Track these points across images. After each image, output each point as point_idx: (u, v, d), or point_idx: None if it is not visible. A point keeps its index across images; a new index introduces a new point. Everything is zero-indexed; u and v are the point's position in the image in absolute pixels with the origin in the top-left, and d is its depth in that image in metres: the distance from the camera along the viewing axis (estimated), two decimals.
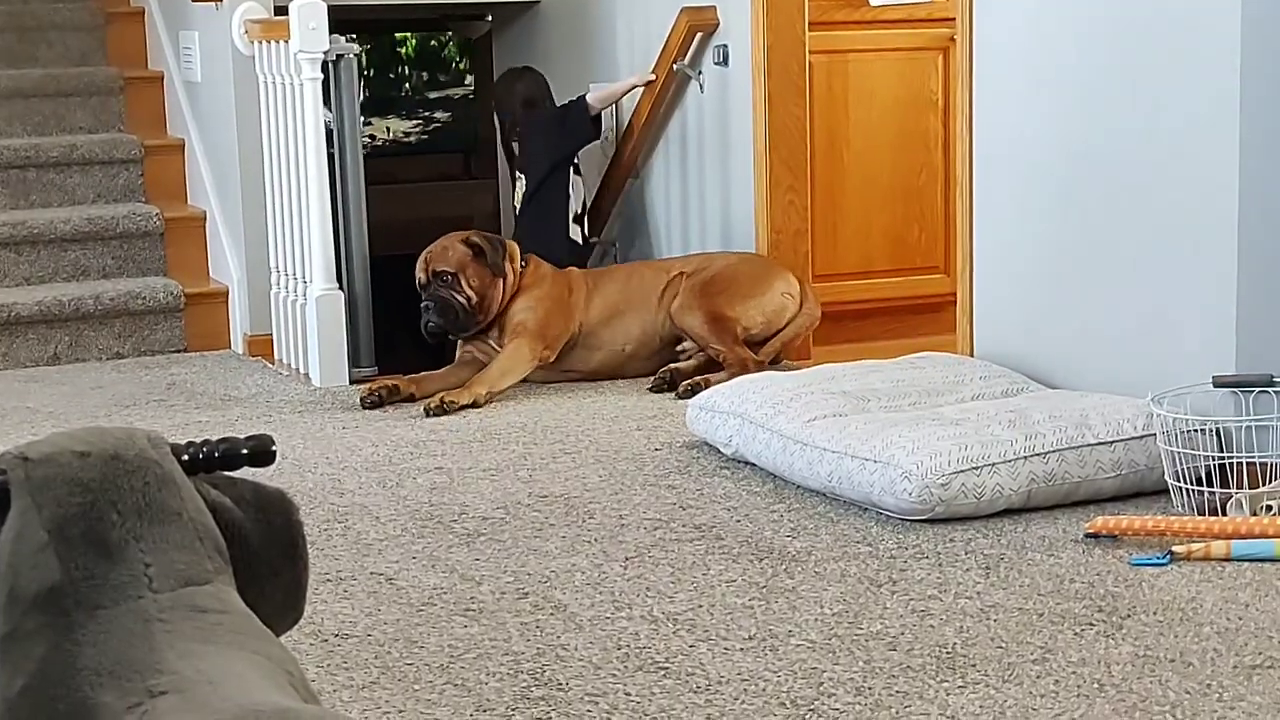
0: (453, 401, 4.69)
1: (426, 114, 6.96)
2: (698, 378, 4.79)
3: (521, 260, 5.04)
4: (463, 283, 4.90)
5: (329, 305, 5.14)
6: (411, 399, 4.82)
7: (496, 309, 4.95)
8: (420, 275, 4.96)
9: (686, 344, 5.05)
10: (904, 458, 3.54)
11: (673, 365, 4.92)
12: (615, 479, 3.96)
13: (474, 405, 4.73)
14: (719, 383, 4.42)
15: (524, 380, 4.95)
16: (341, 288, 5.19)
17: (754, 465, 4.00)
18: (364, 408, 4.77)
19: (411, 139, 6.88)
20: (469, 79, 6.96)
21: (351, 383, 5.07)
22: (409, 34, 6.78)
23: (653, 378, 4.91)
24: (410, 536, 3.56)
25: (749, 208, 5.35)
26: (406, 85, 6.77)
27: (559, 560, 3.36)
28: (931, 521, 3.53)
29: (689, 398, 4.49)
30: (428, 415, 4.65)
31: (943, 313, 5.43)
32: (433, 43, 6.88)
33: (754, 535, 3.50)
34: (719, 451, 4.13)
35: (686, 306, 4.99)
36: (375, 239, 5.35)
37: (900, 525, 3.54)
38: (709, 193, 5.57)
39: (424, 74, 6.89)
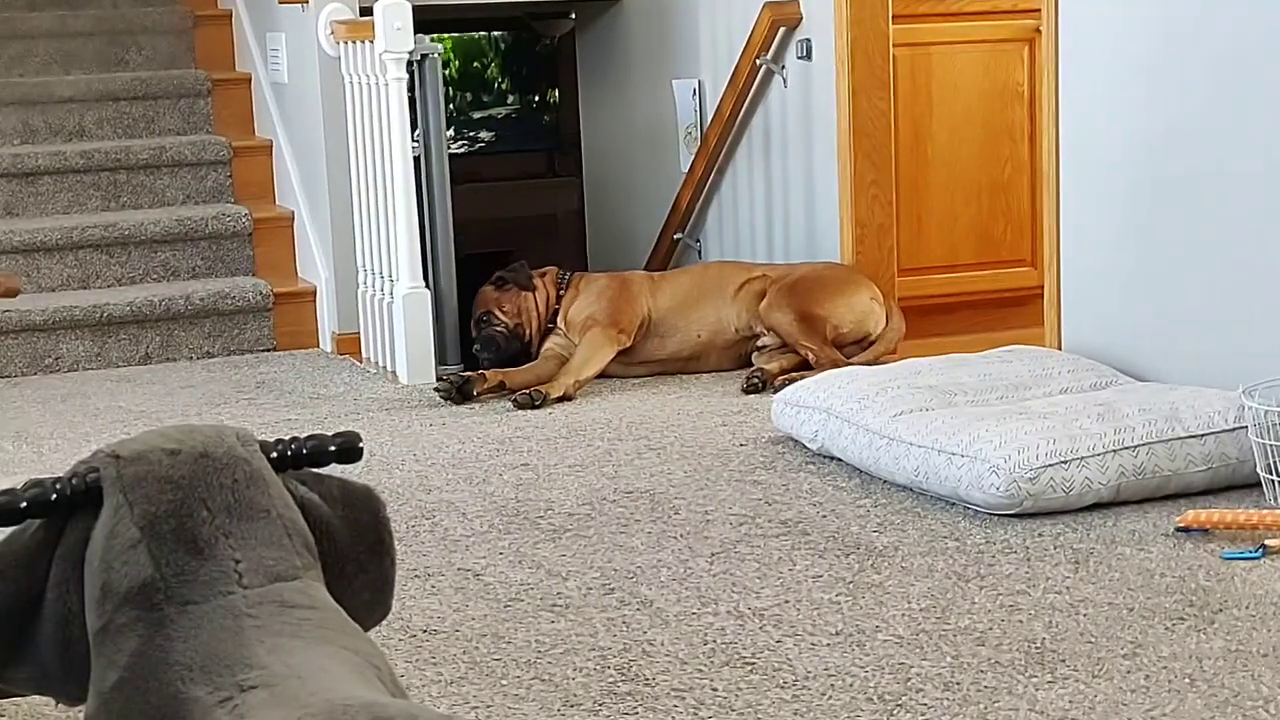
0: (541, 393, 4.73)
1: (477, 130, 7.01)
2: (795, 374, 4.78)
3: (565, 274, 5.25)
4: (496, 314, 5.20)
5: (416, 303, 5.17)
6: (502, 387, 4.86)
7: (537, 319, 5.18)
8: (472, 330, 5.27)
9: (765, 339, 5.05)
10: (991, 452, 3.51)
11: (762, 366, 4.92)
12: (700, 474, 3.96)
13: (565, 398, 4.77)
14: None
15: (605, 376, 4.99)
16: (428, 286, 5.22)
17: (840, 460, 3.99)
18: (441, 398, 4.81)
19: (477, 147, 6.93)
20: (511, 98, 7.01)
21: (438, 380, 5.10)
22: (450, 51, 6.82)
23: (744, 376, 4.91)
24: (497, 532, 3.57)
25: (833, 202, 5.33)
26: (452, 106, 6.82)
27: (645, 556, 3.36)
28: (1019, 516, 3.51)
29: None
30: (518, 407, 4.69)
31: (1029, 306, 5.39)
32: (475, 64, 6.93)
33: (840, 530, 3.48)
34: (804, 447, 4.12)
35: (775, 305, 4.99)
36: (461, 238, 5.38)
37: (988, 520, 3.51)
38: (793, 188, 5.55)
39: (467, 95, 6.95)
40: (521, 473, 4.05)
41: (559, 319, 5.16)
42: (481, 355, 5.19)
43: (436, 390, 4.88)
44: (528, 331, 5.19)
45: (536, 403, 4.72)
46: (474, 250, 5.98)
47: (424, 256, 5.22)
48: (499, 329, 5.19)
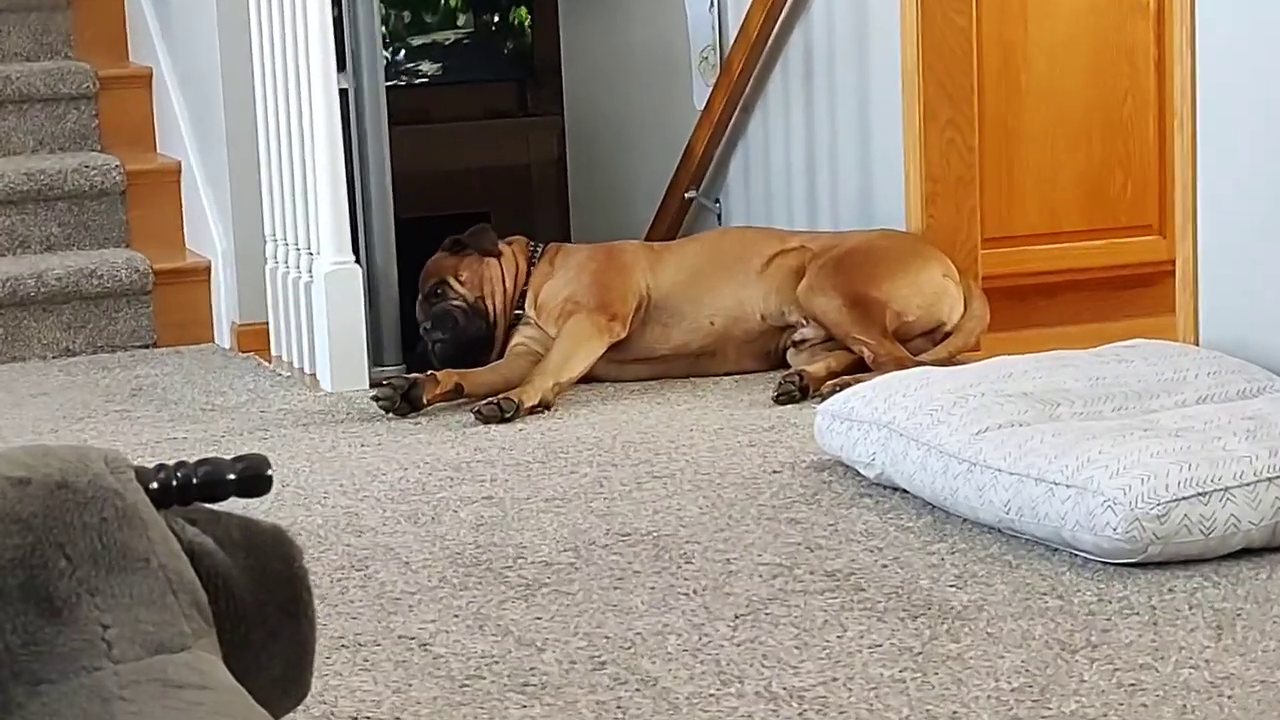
0: (513, 401, 4.72)
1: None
2: (846, 377, 4.78)
3: (537, 245, 5.31)
4: (453, 284, 5.22)
5: (342, 284, 5.17)
6: (458, 392, 4.86)
7: (504, 295, 5.22)
8: (418, 312, 5.28)
9: (805, 330, 5.06)
10: (1106, 481, 3.52)
11: (802, 368, 4.92)
12: (720, 511, 3.97)
13: (542, 405, 4.78)
14: None
15: (592, 377, 5.02)
16: (358, 261, 5.23)
17: (905, 492, 4.00)
18: (381, 408, 4.82)
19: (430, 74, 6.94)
20: (461, 19, 7.03)
21: (372, 386, 5.10)
22: None
23: (777, 380, 4.90)
24: (451, 588, 3.58)
25: (895, 150, 5.34)
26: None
27: (646, 619, 3.37)
28: (1144, 565, 3.51)
29: None
30: (481, 420, 4.69)
31: (1157, 287, 5.40)
32: None
33: (905, 584, 3.49)
34: (858, 474, 4.13)
35: (818, 286, 5.00)
36: (403, 197, 5.38)
37: (1102, 571, 3.52)
38: (842, 130, 5.56)
39: (405, 15, 7.01)
40: (483, 509, 4.06)
41: (528, 304, 5.17)
42: (433, 336, 5.20)
43: (375, 399, 4.88)
44: (491, 309, 5.21)
45: (506, 414, 4.72)
46: (418, 214, 5.98)
47: (353, 222, 5.22)
48: (456, 303, 5.19)
